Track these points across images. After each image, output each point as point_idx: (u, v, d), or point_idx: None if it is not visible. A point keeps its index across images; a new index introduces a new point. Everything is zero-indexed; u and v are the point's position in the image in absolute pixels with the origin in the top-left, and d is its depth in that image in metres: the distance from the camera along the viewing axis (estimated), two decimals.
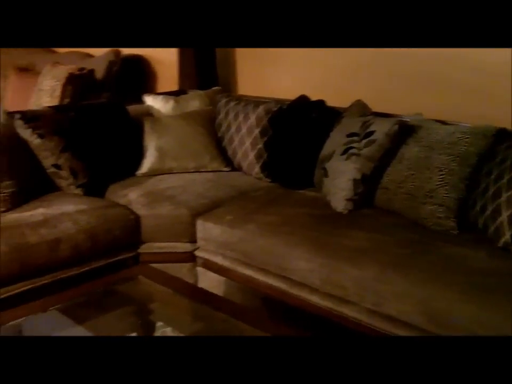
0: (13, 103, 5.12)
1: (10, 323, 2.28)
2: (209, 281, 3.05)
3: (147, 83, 4.78)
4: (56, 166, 3.20)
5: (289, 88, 3.76)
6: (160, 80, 4.77)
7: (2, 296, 2.69)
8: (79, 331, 2.31)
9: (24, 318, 2.33)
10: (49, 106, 3.52)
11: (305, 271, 2.57)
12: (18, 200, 3.03)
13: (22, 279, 2.75)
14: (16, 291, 2.74)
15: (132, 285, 2.63)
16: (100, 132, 3.44)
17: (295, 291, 2.65)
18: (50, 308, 2.39)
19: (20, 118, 3.17)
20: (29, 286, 2.77)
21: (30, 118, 3.19)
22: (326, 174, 3.00)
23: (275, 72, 4.04)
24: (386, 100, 3.37)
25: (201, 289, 2.77)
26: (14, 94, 5.25)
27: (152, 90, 4.61)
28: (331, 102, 3.38)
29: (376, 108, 3.19)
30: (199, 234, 3.04)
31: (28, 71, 5.37)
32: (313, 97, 3.41)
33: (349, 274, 2.42)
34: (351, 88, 3.57)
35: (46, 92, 4.83)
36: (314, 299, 2.58)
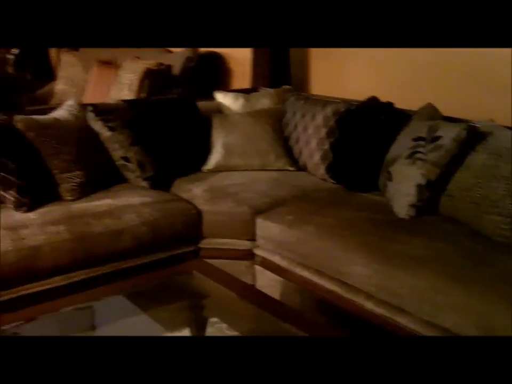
0: (94, 95, 5.30)
1: (76, 305, 2.41)
2: (266, 280, 3.05)
3: (222, 80, 4.83)
4: (125, 158, 3.28)
5: (361, 89, 3.70)
6: (234, 78, 4.80)
7: (66, 282, 2.78)
8: (142, 318, 2.43)
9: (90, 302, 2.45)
10: (122, 100, 3.61)
11: (361, 276, 2.53)
12: (86, 190, 3.11)
13: (84, 267, 2.84)
14: (79, 278, 2.83)
15: (187, 279, 2.66)
16: (169, 127, 3.50)
17: (350, 296, 2.60)
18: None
19: (92, 111, 3.26)
20: (91, 274, 2.85)
21: (102, 111, 3.29)
22: (390, 178, 2.93)
23: (348, 72, 3.99)
24: (457, 104, 3.26)
25: (254, 288, 2.77)
26: (95, 87, 5.42)
27: (226, 87, 4.66)
28: (402, 104, 3.29)
29: (447, 112, 3.09)
30: (259, 233, 3.04)
31: (109, 64, 5.53)
32: (385, 98, 3.34)
33: (405, 282, 2.36)
34: (423, 90, 3.48)
35: (125, 85, 4.97)
36: (369, 305, 2.52)
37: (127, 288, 2.59)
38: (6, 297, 2.62)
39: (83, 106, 3.34)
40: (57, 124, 3.16)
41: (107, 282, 2.77)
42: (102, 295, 2.53)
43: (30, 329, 2.31)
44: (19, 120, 3.03)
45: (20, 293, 2.67)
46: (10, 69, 6.01)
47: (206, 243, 3.16)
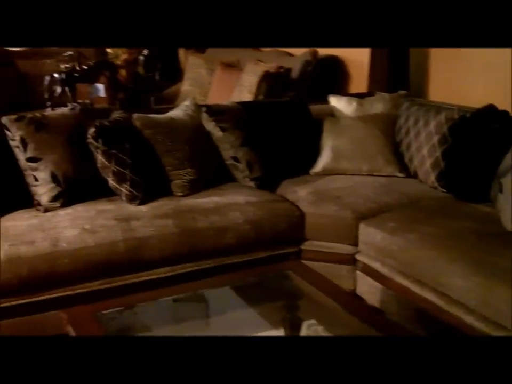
0: (217, 96, 5.47)
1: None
2: (366, 287, 3.02)
3: (340, 84, 4.82)
4: (235, 158, 3.37)
5: (481, 96, 3.57)
6: (352, 82, 4.78)
7: (171, 274, 2.91)
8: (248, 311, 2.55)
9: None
10: (236, 102, 3.71)
11: (461, 289, 2.45)
12: (196, 187, 3.23)
13: (189, 260, 2.96)
14: (183, 270, 2.95)
15: (282, 279, 2.69)
16: (279, 129, 3.56)
17: (449, 308, 2.53)
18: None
19: (206, 111, 3.39)
20: (195, 268, 2.96)
21: (215, 111, 3.40)
22: (501, 189, 2.81)
23: (468, 78, 3.84)
24: None
25: (349, 294, 2.76)
26: (218, 88, 5.60)
27: (344, 91, 4.65)
28: None
29: None
30: (361, 238, 3.02)
31: (232, 67, 5.69)
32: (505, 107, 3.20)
33: (507, 299, 2.26)
34: None
35: (245, 87, 5.10)
36: (469, 320, 2.44)
37: (228, 282, 2.68)
38: (114, 284, 2.80)
39: (198, 107, 3.46)
40: (172, 123, 3.31)
41: (209, 276, 2.89)
42: (204, 288, 2.64)
43: (142, 315, 2.47)
44: (137, 118, 3.21)
45: (127, 281, 2.83)
46: (140, 69, 6.31)
47: (308, 245, 3.18)
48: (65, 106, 3.34)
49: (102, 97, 5.19)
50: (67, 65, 4.68)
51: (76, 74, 4.69)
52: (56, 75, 4.61)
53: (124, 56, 6.49)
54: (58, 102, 4.53)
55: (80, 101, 4.64)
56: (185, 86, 6.00)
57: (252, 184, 3.37)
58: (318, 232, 3.15)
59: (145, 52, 6.42)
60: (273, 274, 2.73)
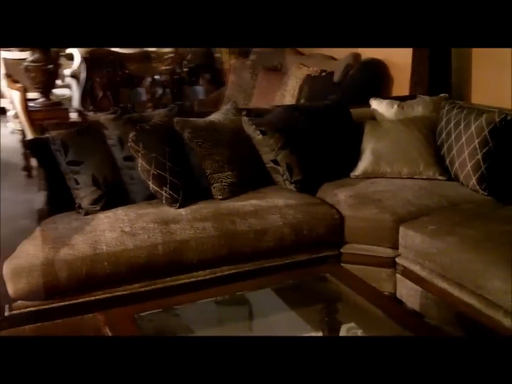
0: (260, 100, 5.51)
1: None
2: (406, 290, 3.00)
3: (382, 87, 4.78)
4: (275, 161, 3.38)
5: None
6: (394, 85, 4.74)
7: (210, 276, 2.94)
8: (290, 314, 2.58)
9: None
10: (276, 105, 3.72)
11: (500, 292, 2.41)
12: (236, 190, 3.26)
13: (228, 263, 2.98)
14: (223, 273, 2.98)
15: (321, 282, 2.69)
16: (319, 132, 3.55)
17: (488, 311, 2.49)
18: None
19: (246, 115, 3.41)
20: (234, 270, 2.99)
21: (255, 115, 3.42)
22: None
23: (510, 80, 3.76)
24: None
25: (388, 297, 2.74)
26: (261, 92, 5.63)
27: (386, 94, 4.61)
28: None
29: None
30: (401, 241, 3.00)
31: (275, 71, 5.71)
32: None
33: None
34: None
35: (288, 91, 5.12)
36: (508, 322, 2.40)
37: (267, 285, 2.69)
38: (153, 287, 2.84)
39: (238, 110, 3.49)
40: (212, 126, 3.35)
41: (248, 279, 2.91)
42: (243, 290, 2.66)
43: (183, 317, 2.51)
44: (178, 121, 3.26)
45: (167, 284, 2.87)
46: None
47: (347, 248, 3.17)
48: (166, 107, 3.42)
49: (202, 99, 5.28)
50: (168, 68, 4.76)
51: (176, 77, 4.77)
52: (157, 77, 4.70)
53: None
54: (159, 103, 4.63)
55: (180, 101, 4.70)
56: (229, 90, 6.05)
57: (292, 187, 3.37)
58: (357, 235, 3.14)
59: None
60: (312, 277, 2.73)
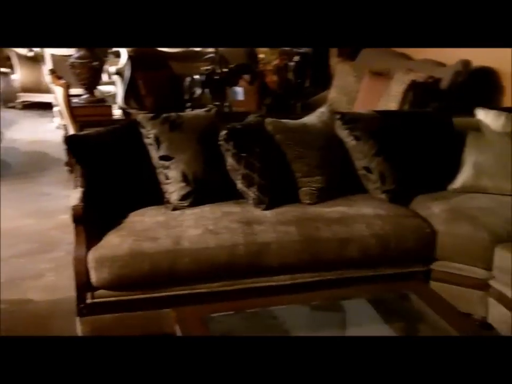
0: (363, 104, 5.35)
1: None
2: (499, 315, 2.79)
3: (492, 96, 4.52)
4: (367, 168, 3.26)
5: None
6: (505, 95, 4.46)
7: (291, 282, 2.88)
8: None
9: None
10: (374, 110, 3.59)
11: None
12: (324, 196, 3.17)
13: (309, 269, 2.90)
14: (304, 280, 2.90)
15: (403, 299, 2.55)
16: (417, 141, 3.39)
17: None
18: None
19: (340, 118, 3.30)
20: (314, 278, 2.90)
21: (349, 119, 3.31)
22: None
23: None
24: None
25: (475, 324, 2.56)
26: (365, 96, 5.47)
27: (495, 104, 4.35)
28: None
29: None
30: (496, 263, 2.80)
31: (381, 75, 5.54)
32: None
33: None
34: None
35: (393, 97, 4.94)
36: None
37: (346, 296, 2.60)
38: (232, 287, 2.80)
39: (333, 114, 3.39)
40: (304, 129, 3.27)
41: (329, 288, 2.82)
42: (324, 298, 2.57)
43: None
44: (269, 122, 3.21)
45: (246, 286, 2.82)
46: (291, 75, 6.36)
47: (438, 265, 3.00)
48: (204, 107, 3.43)
49: (240, 100, 5.27)
50: (208, 68, 4.80)
51: (216, 77, 4.79)
52: (196, 77, 4.75)
53: (275, 62, 6.57)
54: (198, 103, 4.66)
55: (217, 103, 4.74)
56: (333, 93, 5.93)
57: (383, 196, 3.23)
58: (449, 253, 2.97)
59: (296, 58, 6.46)
60: (394, 294, 2.59)
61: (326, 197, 3.17)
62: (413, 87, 4.53)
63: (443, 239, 2.98)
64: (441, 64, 5.11)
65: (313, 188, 3.15)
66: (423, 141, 3.40)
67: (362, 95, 5.55)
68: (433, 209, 3.12)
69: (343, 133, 3.29)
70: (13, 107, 8.44)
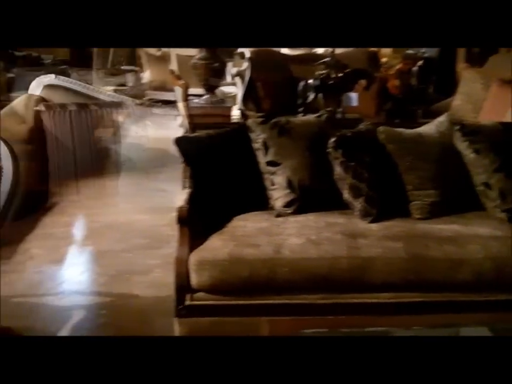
0: (490, 114, 5.06)
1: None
2: None
3: None
4: (486, 184, 3.03)
5: None
6: None
7: (395, 301, 2.73)
8: None
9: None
10: (498, 122, 3.34)
11: None
12: (437, 211, 2.98)
13: (415, 289, 2.73)
14: (409, 299, 2.73)
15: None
16: None
17: None
18: None
19: (459, 129, 3.10)
20: (421, 299, 2.73)
21: (470, 131, 3.09)
22: None
23: None
24: None
25: None
26: (492, 106, 5.17)
27: None
28: None
29: None
30: None
31: (511, 84, 5.21)
32: None
33: None
34: None
35: None
36: None
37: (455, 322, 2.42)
38: (331, 301, 2.70)
39: (452, 124, 3.19)
40: (420, 139, 3.10)
41: (436, 312, 2.65)
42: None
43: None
44: (382, 131, 3.07)
45: (345, 300, 2.71)
46: (413, 81, 6.14)
47: None
48: (316, 113, 3.35)
49: (355, 106, 5.12)
50: (322, 72, 4.70)
51: (330, 82, 4.68)
52: (310, 81, 4.66)
53: (398, 66, 6.37)
54: (311, 108, 4.58)
55: (329, 109, 4.63)
56: (457, 100, 5.64)
57: (502, 215, 2.99)
58: None
59: (420, 62, 6.23)
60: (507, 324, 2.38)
61: (438, 212, 2.98)
62: None
63: None
64: None
65: (425, 202, 2.98)
66: None
67: (489, 104, 5.24)
68: None
69: (461, 145, 3.08)
70: (141, 104, 8.77)
